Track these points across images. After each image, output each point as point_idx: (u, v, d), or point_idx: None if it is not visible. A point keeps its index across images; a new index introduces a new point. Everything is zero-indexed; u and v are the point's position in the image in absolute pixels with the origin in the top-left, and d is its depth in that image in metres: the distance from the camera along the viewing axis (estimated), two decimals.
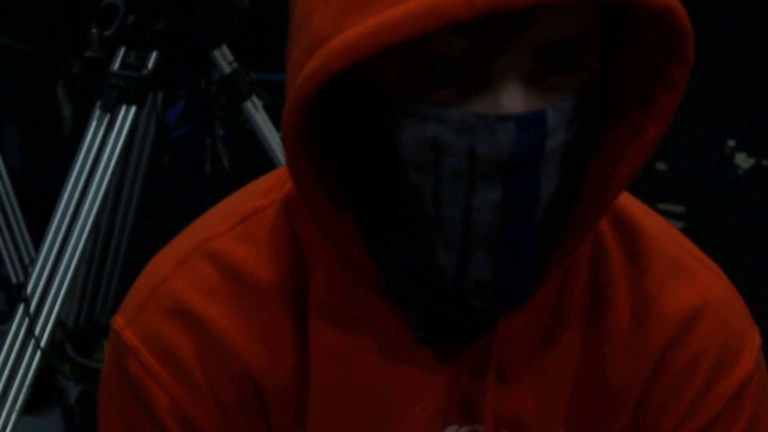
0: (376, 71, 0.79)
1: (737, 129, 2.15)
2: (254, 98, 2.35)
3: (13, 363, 2.21)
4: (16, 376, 2.19)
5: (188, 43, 2.32)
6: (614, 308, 0.94)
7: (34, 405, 2.73)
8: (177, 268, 0.94)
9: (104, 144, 2.24)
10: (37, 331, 2.19)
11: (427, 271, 0.83)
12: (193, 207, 2.40)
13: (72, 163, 2.24)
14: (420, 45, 0.74)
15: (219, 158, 2.50)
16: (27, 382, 2.19)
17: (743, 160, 2.16)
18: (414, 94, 0.77)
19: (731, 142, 2.14)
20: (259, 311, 0.92)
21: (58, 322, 2.47)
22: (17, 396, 2.19)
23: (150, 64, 2.27)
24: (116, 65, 2.29)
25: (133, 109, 2.25)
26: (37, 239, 2.26)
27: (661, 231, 0.97)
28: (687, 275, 0.95)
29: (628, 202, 0.97)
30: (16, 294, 2.28)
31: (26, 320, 2.20)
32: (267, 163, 2.33)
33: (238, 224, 0.95)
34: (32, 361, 2.20)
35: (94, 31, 2.28)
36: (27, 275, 2.25)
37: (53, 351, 2.65)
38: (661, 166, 2.19)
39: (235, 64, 2.33)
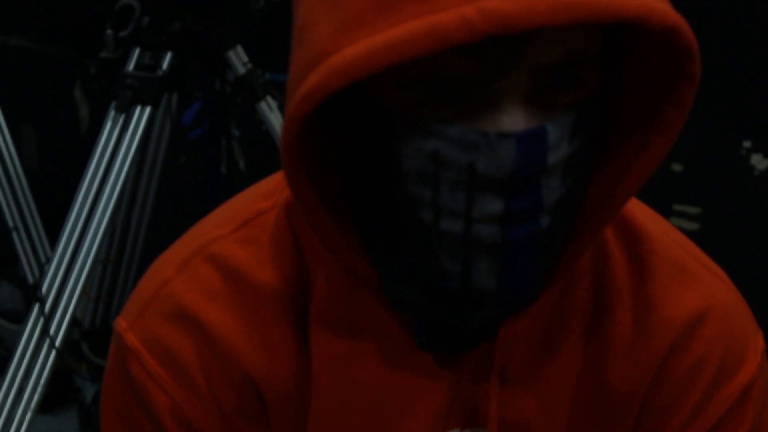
0: (376, 85, 0.78)
1: (753, 130, 2.14)
2: (269, 99, 2.35)
3: (28, 362, 2.22)
4: (31, 375, 2.21)
5: (203, 43, 2.33)
6: (617, 313, 0.93)
7: (50, 404, 2.74)
8: (179, 272, 0.94)
9: (119, 145, 2.25)
10: (52, 331, 2.20)
11: (430, 278, 0.83)
12: (208, 207, 2.40)
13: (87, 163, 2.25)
14: (421, 64, 0.74)
15: (235, 159, 2.50)
16: (42, 381, 2.20)
17: (759, 161, 2.15)
18: (414, 110, 0.77)
19: (747, 143, 2.13)
20: (261, 315, 0.92)
21: (75, 322, 2.48)
22: (32, 395, 2.19)
23: (164, 65, 2.28)
24: (131, 66, 2.30)
25: (147, 109, 2.25)
26: (55, 240, 2.27)
27: (664, 235, 0.97)
28: (690, 279, 0.95)
29: (632, 205, 0.96)
30: (31, 294, 2.28)
31: (41, 320, 2.21)
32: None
33: (239, 227, 0.94)
34: (47, 360, 2.21)
35: (109, 32, 2.28)
36: (42, 275, 2.26)
37: (70, 351, 2.66)
38: (676, 167, 2.18)
39: (249, 65, 2.33)
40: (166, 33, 2.30)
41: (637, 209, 0.97)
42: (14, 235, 2.88)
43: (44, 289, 2.22)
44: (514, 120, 0.75)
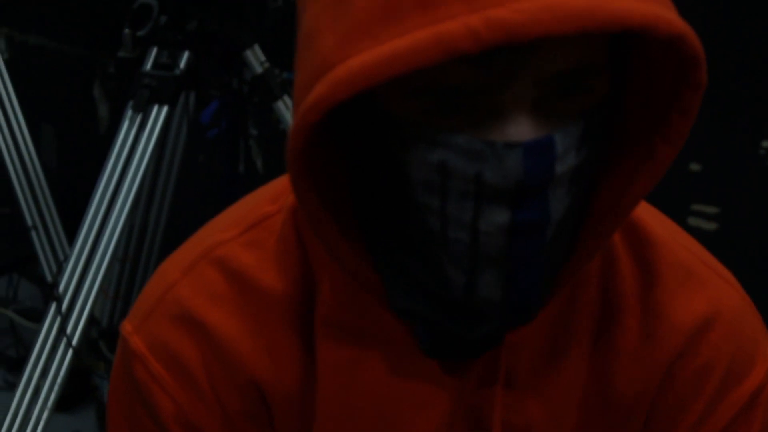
0: (382, 95, 0.78)
1: None
2: (286, 98, 2.35)
3: (45, 361, 2.22)
4: (48, 374, 2.21)
5: (220, 43, 2.33)
6: (624, 318, 0.93)
7: (69, 403, 2.75)
8: (184, 275, 0.94)
9: (136, 144, 2.25)
10: (69, 330, 2.21)
11: (435, 287, 0.83)
12: (226, 207, 2.41)
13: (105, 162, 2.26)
14: (427, 74, 0.74)
15: (252, 158, 2.51)
16: (59, 380, 2.21)
17: None
18: (420, 119, 0.77)
19: (765, 143, 2.12)
20: (266, 319, 0.92)
21: (93, 321, 2.49)
22: (49, 394, 2.20)
23: (182, 64, 2.28)
24: (149, 65, 2.30)
25: (165, 108, 2.26)
26: (73, 238, 2.28)
27: (672, 238, 0.96)
28: (698, 284, 0.94)
29: (639, 209, 0.95)
30: (48, 292, 2.29)
31: (58, 319, 2.21)
32: None
33: (246, 231, 0.94)
34: (64, 359, 2.21)
35: (126, 31, 2.29)
36: (60, 274, 2.27)
37: (88, 349, 2.67)
38: (694, 166, 2.17)
39: (267, 64, 2.33)
40: (184, 32, 2.30)
41: (645, 212, 0.96)
42: (33, 233, 2.89)
43: (61, 287, 2.23)
44: (520, 129, 0.75)
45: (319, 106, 0.73)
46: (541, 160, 0.75)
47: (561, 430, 0.93)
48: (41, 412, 2.20)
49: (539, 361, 0.92)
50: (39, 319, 2.29)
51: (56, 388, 2.21)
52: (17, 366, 2.36)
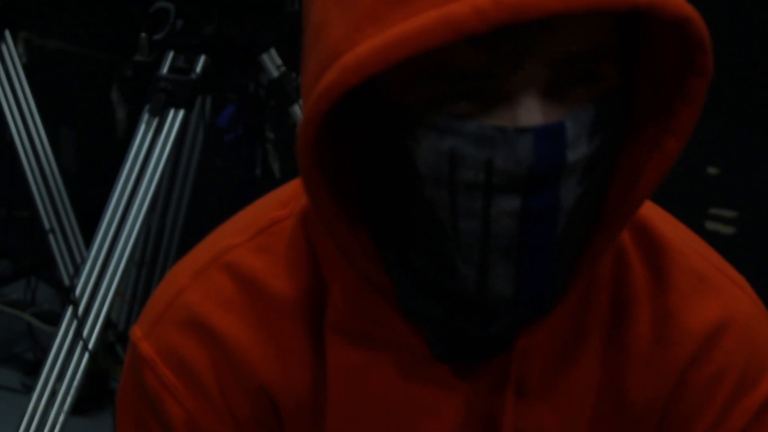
0: (391, 84, 0.78)
1: None
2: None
3: (61, 365, 2.23)
4: (65, 377, 2.22)
5: (237, 47, 2.33)
6: (636, 324, 0.92)
7: (86, 407, 2.75)
8: (194, 280, 0.93)
9: (153, 147, 2.26)
10: (85, 333, 2.21)
11: (447, 286, 0.82)
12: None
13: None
14: (436, 58, 0.73)
15: (269, 161, 2.51)
16: (75, 383, 2.21)
17: None
18: (430, 107, 0.76)
19: None
20: (276, 325, 0.91)
21: (110, 324, 2.50)
22: (65, 398, 2.21)
23: (198, 68, 2.28)
24: (165, 69, 2.31)
25: (181, 112, 2.26)
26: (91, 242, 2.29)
27: (685, 244, 0.95)
28: (711, 290, 0.93)
29: (652, 213, 0.95)
30: (65, 296, 2.30)
31: (74, 322, 2.22)
32: None
33: (255, 236, 0.94)
34: (80, 363, 2.22)
35: (143, 35, 2.29)
36: (77, 277, 2.28)
37: (105, 353, 2.68)
38: (712, 170, 2.16)
39: (283, 68, 2.34)
40: (201, 36, 2.30)
41: (657, 217, 0.95)
42: (50, 237, 2.90)
43: (78, 291, 2.23)
44: (531, 114, 0.74)
45: (329, 93, 0.73)
46: (552, 146, 0.74)
47: None
48: (57, 416, 2.20)
49: (551, 367, 0.91)
50: (57, 322, 2.29)
51: (72, 391, 2.22)
52: (35, 369, 2.36)
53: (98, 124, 3.43)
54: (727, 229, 2.16)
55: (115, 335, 2.82)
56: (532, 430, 0.91)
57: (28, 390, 2.29)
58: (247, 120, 2.44)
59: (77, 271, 2.34)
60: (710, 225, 2.17)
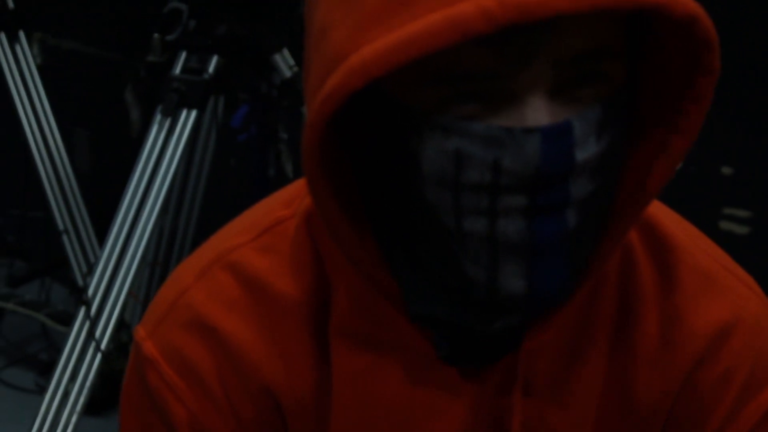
0: (396, 84, 0.77)
1: None
2: None
3: (74, 365, 2.23)
4: (77, 378, 2.22)
5: (249, 47, 2.33)
6: (643, 324, 0.91)
7: (100, 407, 2.76)
8: (197, 280, 0.93)
9: (165, 148, 2.26)
10: (97, 334, 2.22)
11: (455, 287, 0.81)
12: None
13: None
14: (441, 59, 0.73)
15: (282, 162, 2.51)
16: (87, 384, 2.22)
17: None
18: (435, 108, 0.76)
19: None
20: (280, 326, 0.91)
21: (123, 325, 2.50)
22: (78, 398, 2.21)
23: (211, 69, 2.28)
24: (177, 69, 2.30)
25: (193, 113, 2.26)
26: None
27: (692, 243, 0.94)
28: (719, 290, 0.92)
29: (659, 212, 0.94)
30: (78, 297, 2.30)
31: (87, 323, 2.22)
32: None
33: (259, 235, 0.93)
34: (92, 363, 2.22)
35: (156, 35, 2.30)
36: (90, 278, 2.28)
37: (118, 353, 2.68)
38: (726, 170, 2.15)
39: (296, 68, 2.33)
40: (213, 36, 2.30)
41: (665, 216, 0.95)
42: (64, 237, 2.90)
43: (90, 292, 2.24)
44: (538, 114, 0.74)
45: (333, 96, 0.73)
46: (560, 146, 0.74)
47: None
48: (70, 416, 2.21)
49: (558, 367, 0.90)
50: (70, 323, 2.30)
51: (85, 392, 2.22)
52: (49, 370, 2.36)
53: (112, 125, 3.43)
54: (742, 229, 2.15)
55: (128, 336, 2.82)
56: (539, 430, 0.91)
57: (42, 390, 2.29)
58: (260, 120, 2.44)
59: (90, 272, 2.35)
60: (724, 225, 2.16)
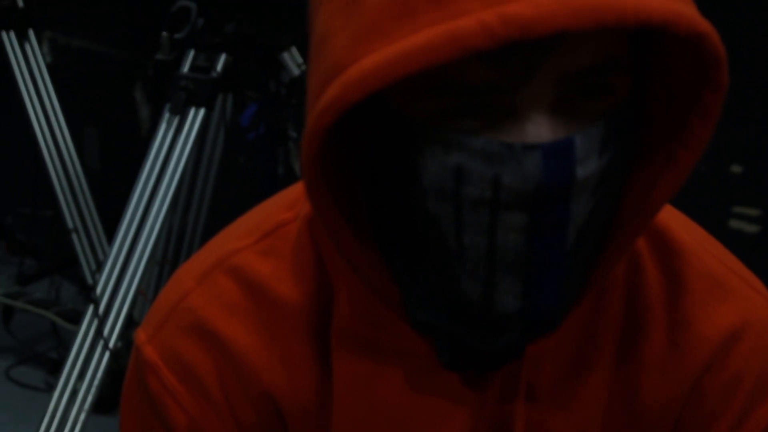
0: (397, 96, 0.76)
1: None
2: None
3: (82, 364, 2.24)
4: (86, 376, 2.22)
5: (257, 45, 2.33)
6: (650, 329, 0.90)
7: (108, 405, 2.76)
8: (198, 284, 0.92)
9: (173, 146, 2.26)
10: (105, 333, 2.22)
11: (452, 301, 0.80)
12: None
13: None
14: (442, 72, 0.72)
15: (291, 160, 2.50)
16: (95, 382, 2.22)
17: None
18: (436, 121, 0.74)
19: None
20: (281, 330, 0.90)
21: (132, 323, 2.50)
22: (86, 396, 2.21)
23: (219, 67, 2.28)
24: (186, 68, 2.31)
25: (201, 111, 2.26)
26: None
27: (701, 246, 0.93)
28: (727, 294, 0.91)
29: (666, 215, 0.93)
30: (86, 295, 2.30)
31: (95, 321, 2.22)
32: None
33: (261, 239, 0.92)
34: (101, 362, 2.22)
35: (164, 34, 2.30)
36: (99, 275, 2.28)
37: (127, 352, 2.68)
38: (736, 168, 2.15)
39: (304, 66, 2.33)
40: (221, 34, 2.30)
41: (673, 219, 0.93)
42: (74, 236, 2.90)
43: (99, 290, 2.24)
44: (539, 130, 0.72)
45: (332, 108, 0.72)
46: (561, 163, 0.72)
47: None
48: (78, 414, 2.21)
49: (562, 373, 0.89)
50: (80, 321, 2.30)
51: (93, 390, 2.22)
52: (58, 368, 2.37)
53: (122, 124, 3.44)
54: (752, 228, 2.14)
55: None
56: None
57: (51, 388, 2.30)
58: (269, 118, 2.44)
59: (99, 270, 2.35)
60: (734, 223, 2.15)
